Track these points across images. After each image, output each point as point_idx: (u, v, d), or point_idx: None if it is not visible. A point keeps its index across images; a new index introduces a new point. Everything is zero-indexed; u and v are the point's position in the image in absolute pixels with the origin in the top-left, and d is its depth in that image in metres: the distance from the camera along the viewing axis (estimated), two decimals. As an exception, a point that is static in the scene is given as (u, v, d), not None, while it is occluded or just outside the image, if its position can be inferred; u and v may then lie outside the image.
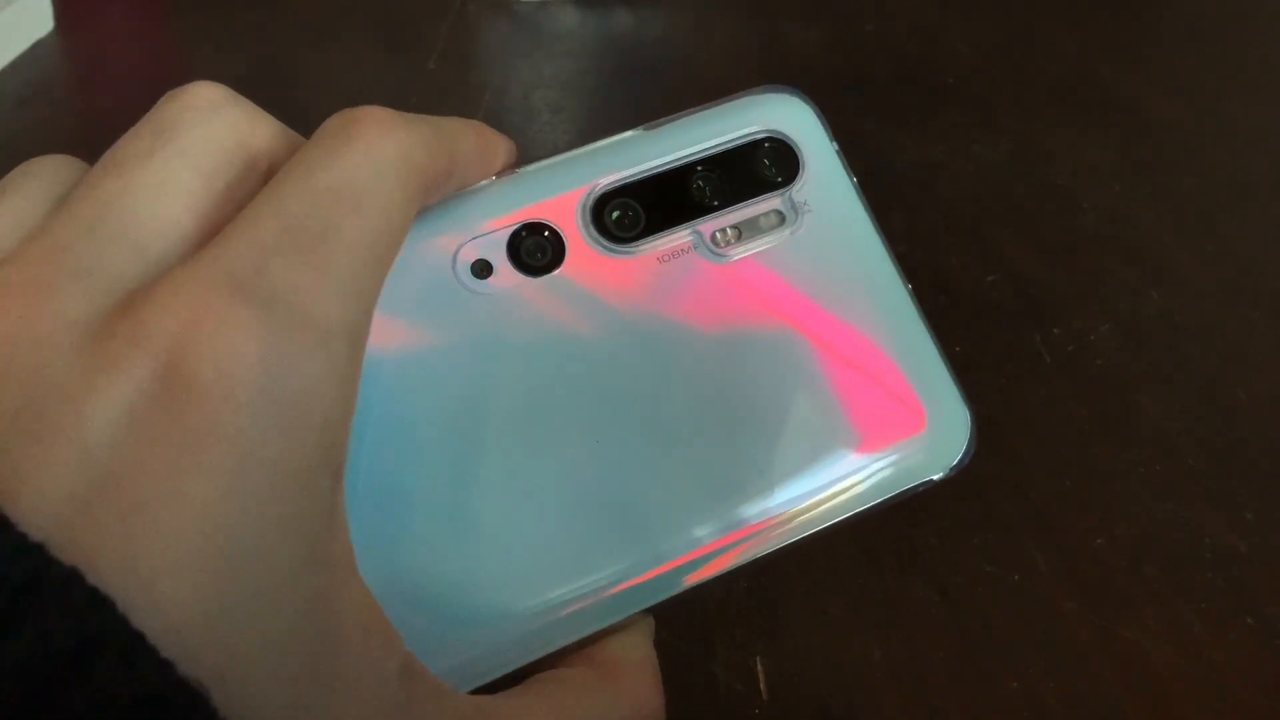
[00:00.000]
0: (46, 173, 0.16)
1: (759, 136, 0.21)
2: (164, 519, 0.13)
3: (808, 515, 0.20)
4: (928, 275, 0.43)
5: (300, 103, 0.56)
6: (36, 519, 0.12)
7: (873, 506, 0.20)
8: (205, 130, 0.16)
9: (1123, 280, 0.42)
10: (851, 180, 0.22)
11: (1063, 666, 0.28)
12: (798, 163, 0.21)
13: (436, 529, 0.18)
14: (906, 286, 0.21)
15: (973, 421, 0.21)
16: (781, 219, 0.21)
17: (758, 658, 0.28)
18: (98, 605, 0.12)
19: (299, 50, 0.62)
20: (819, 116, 0.22)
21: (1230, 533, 0.31)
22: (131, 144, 0.16)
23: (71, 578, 0.12)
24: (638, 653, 0.19)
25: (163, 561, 0.12)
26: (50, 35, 0.63)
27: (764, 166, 0.21)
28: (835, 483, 0.20)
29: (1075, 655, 0.28)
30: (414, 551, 0.18)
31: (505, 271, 0.20)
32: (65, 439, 0.13)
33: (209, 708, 0.12)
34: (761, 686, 0.27)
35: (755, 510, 0.19)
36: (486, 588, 0.18)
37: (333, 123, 0.16)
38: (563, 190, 0.20)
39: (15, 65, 0.60)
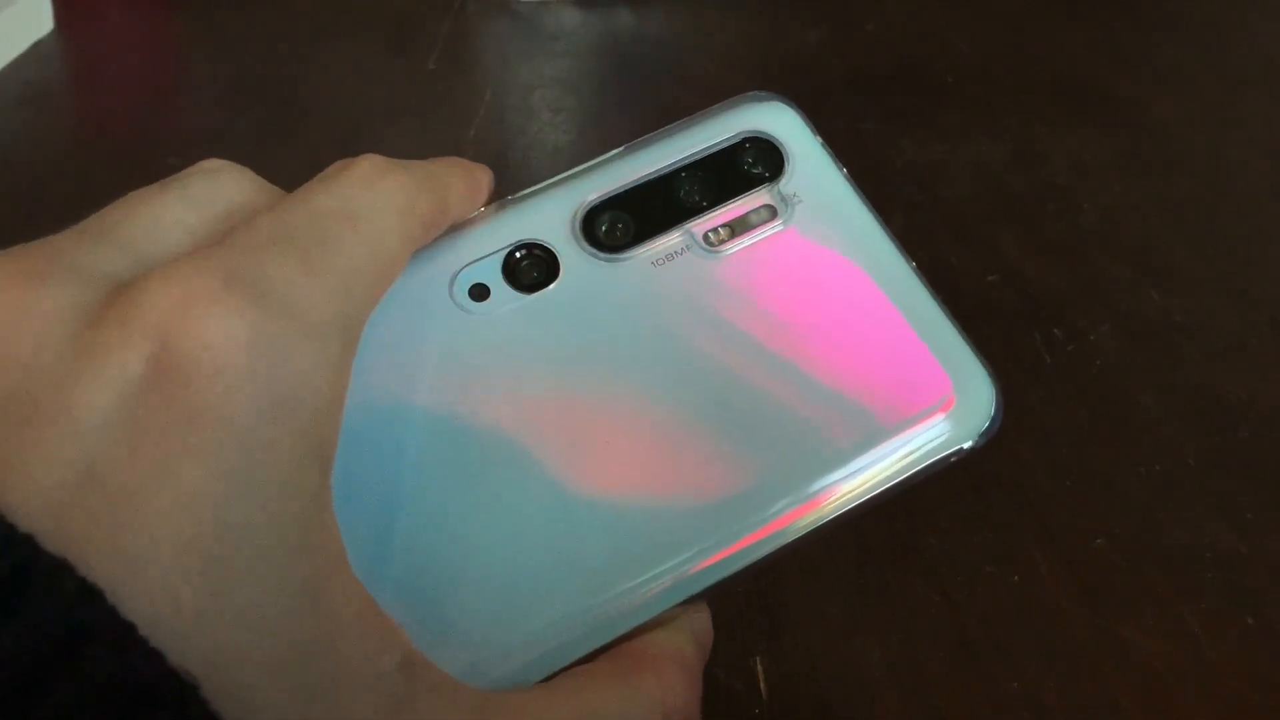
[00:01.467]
0: (213, 181, 0.17)
1: (740, 138, 0.22)
2: (154, 506, 0.13)
3: (845, 496, 0.19)
4: (928, 275, 0.42)
5: (300, 103, 0.56)
6: (27, 508, 0.12)
7: (906, 480, 0.20)
8: (210, 184, 0.17)
9: (1123, 280, 0.42)
10: (840, 169, 0.22)
11: (1063, 666, 0.28)
12: (781, 157, 0.22)
13: (458, 546, 0.18)
14: (910, 263, 0.21)
15: (997, 386, 0.21)
16: (773, 213, 0.21)
17: (758, 658, 0.28)
18: (87, 596, 0.12)
19: (299, 50, 0.62)
20: (800, 114, 0.22)
21: (1230, 533, 0.31)
22: (141, 190, 0.16)
23: (61, 568, 0.12)
24: (670, 648, 0.19)
25: (152, 550, 0.12)
26: (50, 35, 0.63)
27: (749, 165, 0.22)
28: (871, 463, 0.20)
29: (1075, 655, 0.28)
30: (440, 570, 0.18)
31: (502, 293, 0.20)
32: (56, 426, 0.13)
33: (198, 697, 0.12)
34: (761, 686, 0.27)
35: (789, 499, 0.19)
36: (504, 601, 0.18)
37: (333, 166, 0.17)
38: (552, 209, 0.21)
39: (15, 65, 0.60)
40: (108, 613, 0.12)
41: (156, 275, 0.14)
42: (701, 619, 0.20)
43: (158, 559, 0.12)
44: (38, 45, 0.62)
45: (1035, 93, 0.57)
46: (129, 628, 0.12)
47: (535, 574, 0.18)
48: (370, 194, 0.16)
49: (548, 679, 0.18)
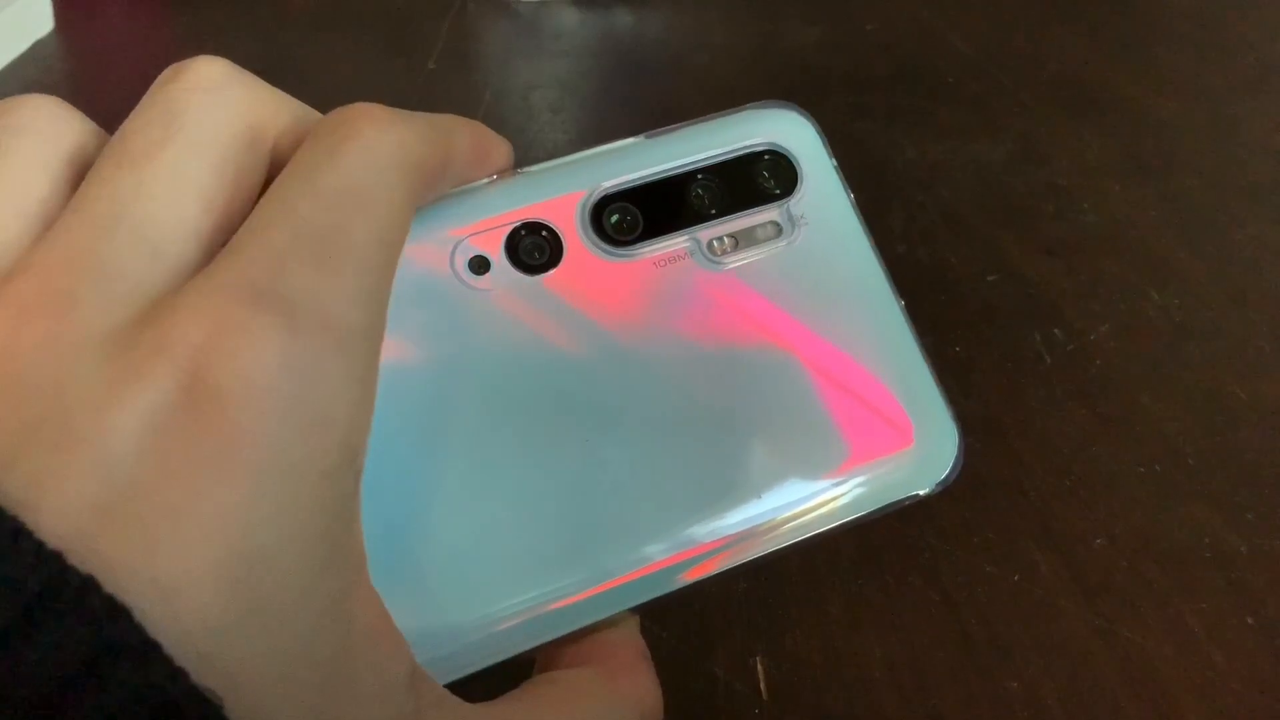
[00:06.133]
0: (39, 129, 0.16)
1: (759, 149, 0.22)
2: (185, 527, 0.13)
3: (793, 524, 0.20)
4: (928, 275, 0.43)
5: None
6: (57, 528, 0.12)
7: (858, 519, 0.20)
8: (213, 116, 0.16)
9: (1123, 280, 0.42)
10: (849, 196, 0.22)
11: (1063, 666, 0.28)
12: (796, 176, 0.22)
13: (421, 523, 0.18)
14: (899, 303, 0.22)
15: (961, 439, 0.21)
16: (778, 230, 0.21)
17: (758, 658, 0.28)
18: (114, 614, 0.12)
19: (299, 51, 0.62)
20: (819, 132, 0.22)
21: (1230, 533, 0.31)
22: (141, 133, 0.15)
23: (87, 586, 0.12)
24: (633, 649, 0.19)
25: (182, 570, 0.12)
26: (50, 35, 0.63)
27: (763, 178, 0.22)
28: (820, 493, 0.20)
29: (1075, 655, 0.28)
30: (398, 544, 0.18)
31: (502, 269, 0.20)
32: (88, 449, 0.13)
33: (221, 716, 0.12)
34: (761, 686, 0.27)
35: (740, 517, 0.20)
36: (471, 582, 0.18)
37: (329, 120, 0.16)
38: (563, 192, 0.21)
39: (15, 65, 0.60)
40: (134, 631, 0.12)
41: (184, 301, 0.14)
42: (635, 615, 0.20)
43: (188, 580, 0.12)
44: (38, 45, 0.62)
45: (1035, 93, 0.57)
46: (154, 646, 0.12)
47: (492, 559, 0.18)
48: (373, 161, 0.15)
49: (498, 668, 0.18)
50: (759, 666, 0.28)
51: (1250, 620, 0.29)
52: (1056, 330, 0.40)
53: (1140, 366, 0.38)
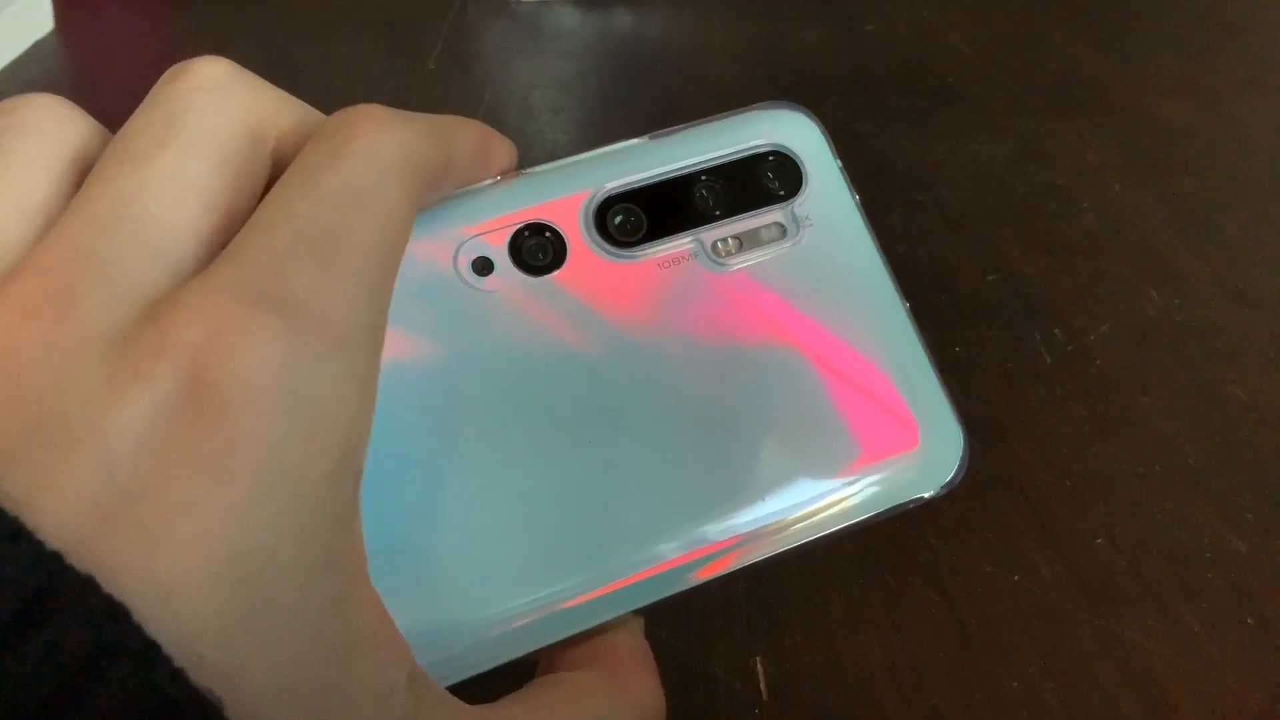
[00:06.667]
0: (43, 129, 0.16)
1: (764, 149, 0.22)
2: (185, 528, 0.13)
3: (797, 526, 0.20)
4: (928, 275, 0.43)
5: (300, 103, 0.56)
6: (56, 529, 0.12)
7: (862, 521, 0.20)
8: (214, 117, 0.16)
9: (1123, 280, 0.42)
10: (854, 197, 0.22)
11: (1063, 666, 0.28)
12: (801, 177, 0.22)
13: (422, 523, 0.18)
14: (904, 304, 0.21)
15: (966, 441, 0.21)
16: (783, 231, 0.21)
17: (758, 658, 0.28)
18: (113, 614, 0.12)
19: (299, 50, 0.62)
20: (824, 133, 0.22)
21: (1230, 533, 0.31)
22: (143, 134, 0.15)
23: (87, 586, 0.12)
24: (636, 650, 0.19)
25: (181, 571, 0.12)
26: (50, 35, 0.64)
27: (767, 179, 0.22)
28: (826, 495, 0.20)
29: (1075, 655, 0.28)
30: (400, 545, 0.18)
31: (506, 270, 0.20)
32: (88, 450, 0.13)
33: (221, 716, 0.12)
34: (761, 686, 0.27)
35: (745, 519, 0.19)
36: (473, 583, 0.18)
37: (332, 122, 0.16)
38: (567, 193, 0.21)
39: (15, 65, 0.60)
40: (133, 631, 0.12)
41: (184, 301, 0.14)
42: (639, 617, 0.20)
43: (187, 581, 0.12)
44: (38, 45, 0.62)
45: (1035, 93, 0.57)
46: (153, 646, 0.12)
47: (496, 561, 0.18)
48: (374, 162, 0.16)
49: (501, 670, 0.18)
50: (759, 666, 0.28)
51: (1250, 620, 0.29)
52: (1056, 330, 0.40)
53: (1140, 366, 0.38)
